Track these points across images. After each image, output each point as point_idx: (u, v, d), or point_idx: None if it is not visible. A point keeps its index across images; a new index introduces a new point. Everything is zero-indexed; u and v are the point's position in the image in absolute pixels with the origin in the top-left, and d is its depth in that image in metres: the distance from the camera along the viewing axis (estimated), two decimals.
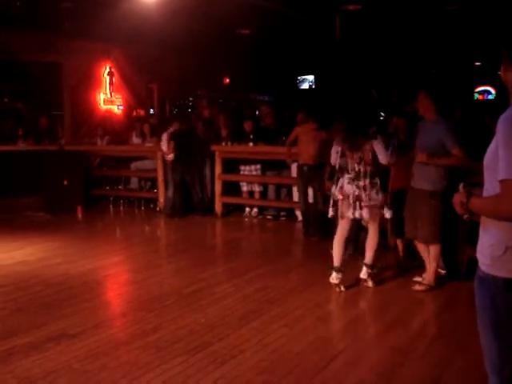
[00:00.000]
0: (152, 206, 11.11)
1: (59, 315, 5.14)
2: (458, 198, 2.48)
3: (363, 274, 6.04)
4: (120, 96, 15.43)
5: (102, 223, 10.33)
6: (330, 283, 6.16)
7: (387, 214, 5.88)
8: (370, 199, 5.68)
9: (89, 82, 14.63)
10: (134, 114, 15.19)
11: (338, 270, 5.87)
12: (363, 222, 6.33)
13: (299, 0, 11.97)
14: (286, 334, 4.73)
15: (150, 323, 4.99)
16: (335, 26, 13.86)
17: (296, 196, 9.41)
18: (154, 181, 11.19)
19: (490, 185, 2.36)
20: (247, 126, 10.24)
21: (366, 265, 6.02)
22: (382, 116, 13.83)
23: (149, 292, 5.99)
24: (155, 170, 10.78)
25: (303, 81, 21.89)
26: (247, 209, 10.37)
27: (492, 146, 2.33)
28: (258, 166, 10.03)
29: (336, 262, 5.90)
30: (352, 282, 6.12)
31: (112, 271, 7.04)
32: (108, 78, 15.08)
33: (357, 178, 5.69)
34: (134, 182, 11.97)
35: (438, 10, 12.92)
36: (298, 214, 9.57)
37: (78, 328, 4.81)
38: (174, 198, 10.17)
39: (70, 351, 4.35)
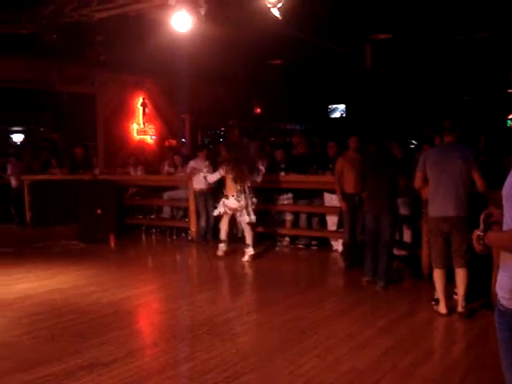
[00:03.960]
0: (184, 235, 11.16)
1: (92, 344, 5.16)
2: (475, 233, 2.43)
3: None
4: (153, 126, 15.65)
5: (134, 252, 10.39)
6: (362, 313, 6.11)
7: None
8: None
9: (122, 112, 14.89)
10: (167, 143, 15.37)
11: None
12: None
13: (330, 30, 12.06)
14: (318, 364, 4.67)
15: (181, 353, 4.98)
16: (366, 54, 13.91)
17: (331, 225, 9.40)
18: (185, 210, 11.25)
19: (510, 217, 2.30)
20: (278, 155, 10.27)
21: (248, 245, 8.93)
22: (413, 144, 13.78)
23: (180, 321, 6.00)
24: (187, 200, 10.85)
25: (334, 109, 21.95)
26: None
27: (511, 177, 2.29)
28: (290, 195, 10.02)
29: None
30: (386, 312, 6.04)
31: (144, 300, 7.06)
32: (141, 108, 15.33)
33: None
34: (167, 211, 12.06)
35: (469, 38, 12.88)
36: (335, 243, 9.52)
37: (110, 357, 4.82)
38: (206, 226, 10.28)
39: (102, 380, 4.36)
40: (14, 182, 12.42)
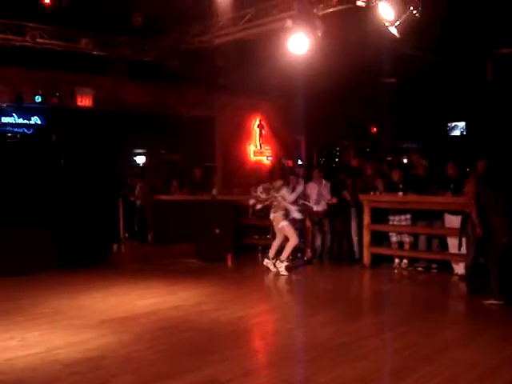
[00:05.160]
0: (299, 255, 11.15)
1: (210, 361, 5.26)
2: None
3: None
4: (269, 147, 15.90)
5: (250, 271, 10.52)
6: (486, 341, 5.82)
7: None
8: None
9: (240, 134, 15.26)
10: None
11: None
12: None
13: (449, 46, 11.74)
14: None
15: (297, 374, 4.97)
16: (486, 70, 13.41)
17: (452, 247, 9.06)
18: (301, 231, 11.25)
19: None
20: (395, 174, 10.06)
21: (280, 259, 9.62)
22: None
23: (296, 342, 5.99)
24: (303, 221, 10.84)
25: (454, 127, 21.22)
26: (396, 260, 10.09)
27: None
28: (408, 216, 9.76)
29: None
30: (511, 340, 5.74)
31: (260, 319, 7.13)
32: (258, 130, 15.62)
33: None
34: None
35: None
36: (456, 267, 9.15)
37: (228, 375, 4.88)
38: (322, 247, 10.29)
39: None
40: (138, 202, 13.06)
